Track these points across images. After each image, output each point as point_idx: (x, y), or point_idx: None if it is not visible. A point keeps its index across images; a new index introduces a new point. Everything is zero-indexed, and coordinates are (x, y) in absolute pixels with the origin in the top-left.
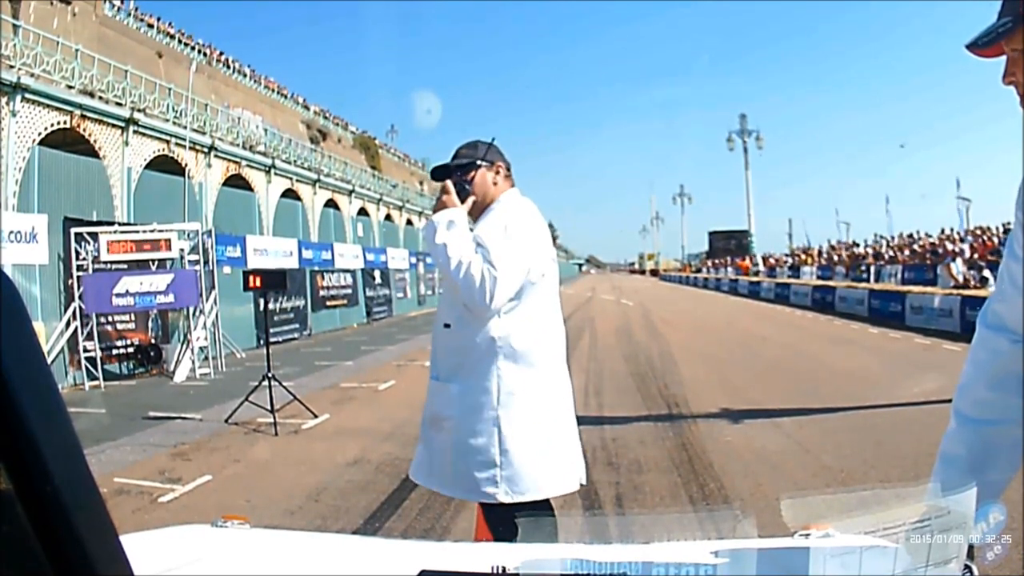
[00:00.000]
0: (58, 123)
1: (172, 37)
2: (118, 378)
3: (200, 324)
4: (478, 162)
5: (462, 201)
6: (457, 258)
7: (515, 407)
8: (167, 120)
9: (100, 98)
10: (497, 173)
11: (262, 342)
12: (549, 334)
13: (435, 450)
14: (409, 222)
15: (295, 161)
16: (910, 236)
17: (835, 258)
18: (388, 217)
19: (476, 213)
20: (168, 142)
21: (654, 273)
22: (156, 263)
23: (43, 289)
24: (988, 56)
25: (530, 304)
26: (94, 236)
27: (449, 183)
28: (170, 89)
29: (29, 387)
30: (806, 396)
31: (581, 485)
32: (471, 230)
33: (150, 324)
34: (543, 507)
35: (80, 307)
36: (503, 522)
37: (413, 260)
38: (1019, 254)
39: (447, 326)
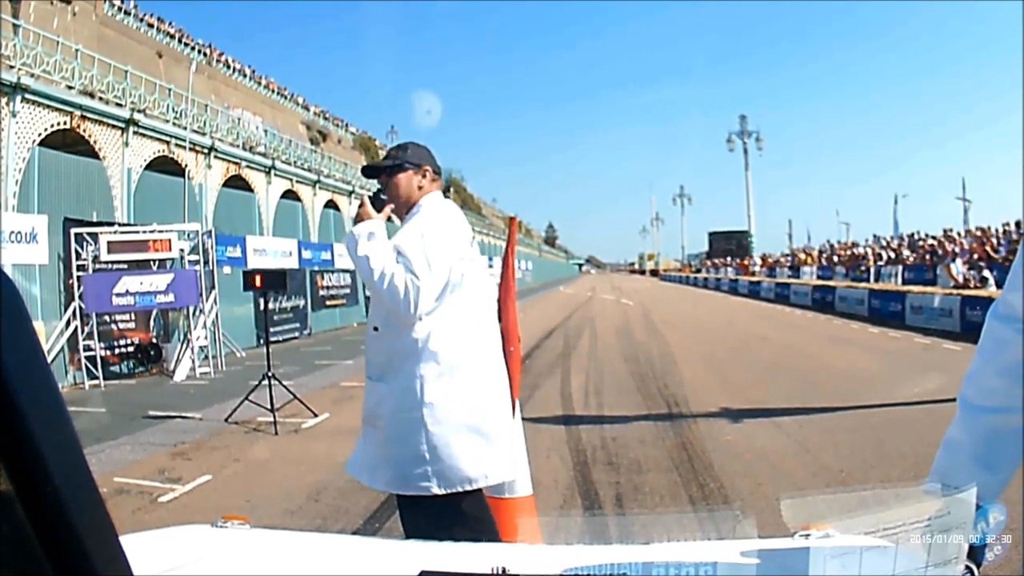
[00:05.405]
0: (58, 124)
1: (172, 37)
2: (118, 377)
3: (200, 323)
4: (405, 164)
5: (378, 211)
6: (380, 269)
7: (439, 405)
8: (167, 121)
9: (100, 99)
10: (424, 176)
11: (262, 341)
12: (474, 332)
13: (370, 446)
14: None
15: (295, 162)
16: (910, 236)
17: (835, 258)
18: (388, 218)
19: (401, 213)
20: (168, 143)
21: (654, 273)
22: (156, 263)
23: (43, 289)
24: None
25: (452, 306)
26: (94, 236)
27: (365, 196)
28: (170, 90)
29: (29, 387)
30: (806, 396)
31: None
32: (400, 229)
33: (151, 323)
34: (476, 502)
35: (80, 307)
36: (431, 516)
37: None
38: None
39: (376, 329)
